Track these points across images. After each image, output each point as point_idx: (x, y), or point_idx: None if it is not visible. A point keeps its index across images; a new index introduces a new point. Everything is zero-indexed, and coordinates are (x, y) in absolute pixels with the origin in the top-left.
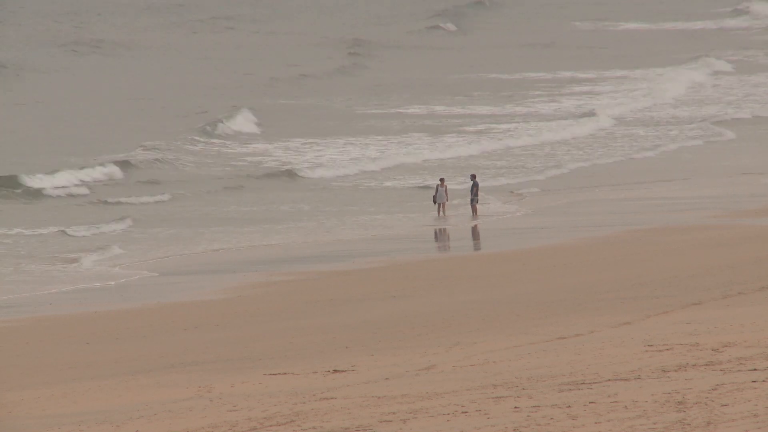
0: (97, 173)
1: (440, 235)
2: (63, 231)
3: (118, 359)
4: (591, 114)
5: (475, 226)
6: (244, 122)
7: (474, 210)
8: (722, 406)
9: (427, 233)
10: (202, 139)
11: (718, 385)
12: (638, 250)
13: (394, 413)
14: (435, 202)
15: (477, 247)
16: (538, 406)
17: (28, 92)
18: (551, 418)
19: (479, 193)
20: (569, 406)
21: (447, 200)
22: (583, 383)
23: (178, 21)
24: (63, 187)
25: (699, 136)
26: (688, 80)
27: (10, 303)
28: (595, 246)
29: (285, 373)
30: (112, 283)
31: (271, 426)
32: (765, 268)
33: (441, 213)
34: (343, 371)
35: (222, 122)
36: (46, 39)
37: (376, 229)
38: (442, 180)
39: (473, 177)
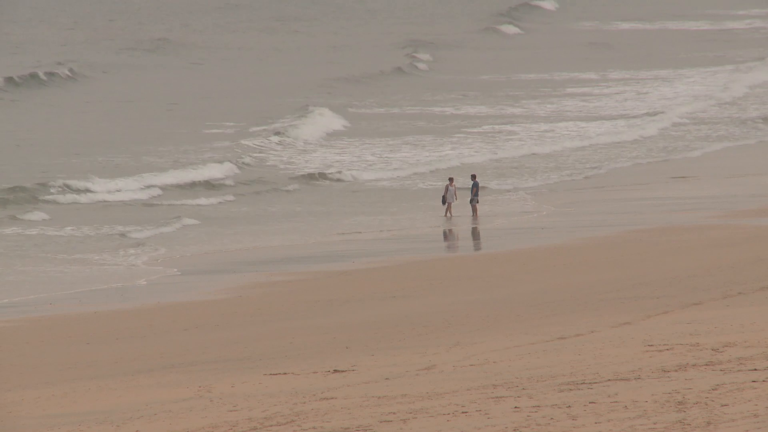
0: (169, 177)
1: (450, 236)
2: (122, 234)
3: (118, 359)
4: (657, 113)
5: (476, 226)
6: (309, 124)
7: (474, 210)
8: (722, 406)
9: (428, 233)
10: (272, 140)
11: (718, 385)
12: (638, 250)
13: (394, 413)
14: (444, 202)
15: (477, 247)
16: (538, 406)
17: (108, 93)
18: (551, 418)
19: (479, 193)
20: (569, 406)
21: (456, 200)
22: (583, 383)
23: (243, 21)
24: (130, 190)
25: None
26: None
27: (9, 303)
28: (595, 246)
29: (285, 373)
30: (142, 281)
31: (271, 426)
32: (765, 268)
33: (448, 213)
34: (343, 371)
35: (288, 123)
36: (132, 40)
37: (391, 231)
38: (451, 179)
39: (473, 177)
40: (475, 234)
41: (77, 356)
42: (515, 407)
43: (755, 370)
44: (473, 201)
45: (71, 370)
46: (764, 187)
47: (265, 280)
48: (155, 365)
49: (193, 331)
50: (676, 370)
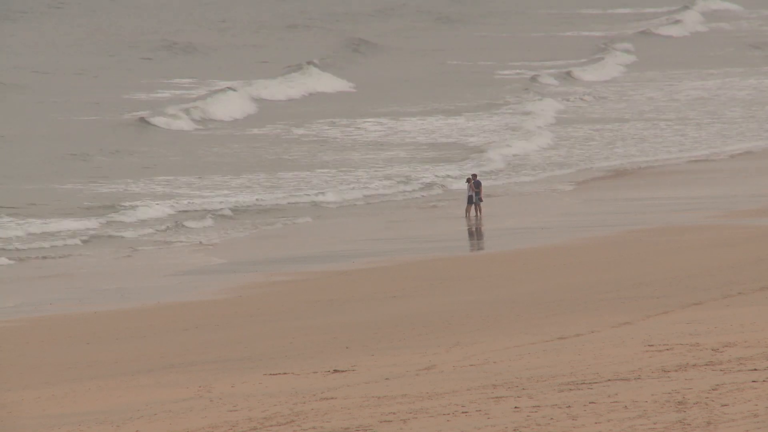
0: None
1: (475, 236)
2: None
3: (118, 359)
4: None
5: (479, 226)
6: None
7: (477, 210)
8: (722, 406)
9: (431, 234)
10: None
11: (718, 385)
12: (638, 250)
13: (394, 413)
14: (470, 202)
15: (477, 247)
16: (538, 406)
17: None
18: (551, 418)
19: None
20: (569, 406)
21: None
22: (583, 383)
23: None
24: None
25: None
26: None
27: (9, 303)
28: (595, 246)
29: (285, 373)
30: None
31: (271, 426)
32: (765, 268)
33: (471, 214)
34: (343, 371)
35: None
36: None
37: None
38: (474, 176)
39: (474, 176)
40: (477, 234)
41: (77, 356)
42: (515, 407)
43: (755, 370)
44: (477, 201)
45: (71, 370)
46: (764, 187)
47: (265, 280)
48: (155, 365)
49: (193, 331)
50: (676, 370)
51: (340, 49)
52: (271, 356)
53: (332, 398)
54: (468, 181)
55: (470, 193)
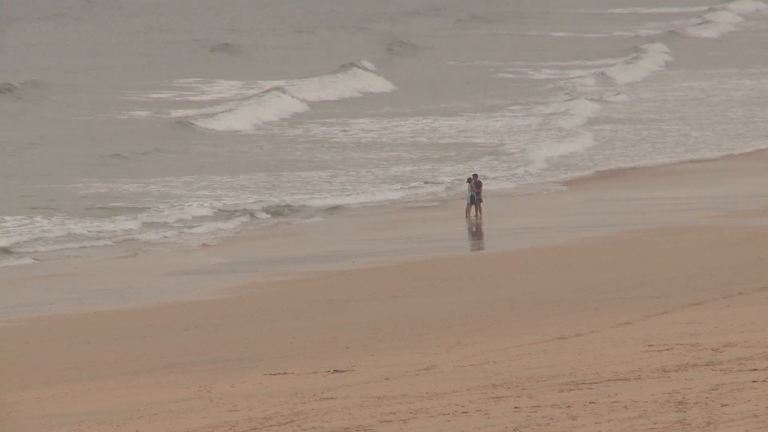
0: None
1: (476, 236)
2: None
3: (118, 359)
4: None
5: (479, 226)
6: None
7: (478, 209)
8: (722, 406)
9: (432, 234)
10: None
11: (718, 385)
12: (638, 250)
13: (394, 413)
14: (472, 201)
15: (477, 247)
16: (538, 406)
17: None
18: (551, 418)
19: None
20: (569, 406)
21: (481, 200)
22: (583, 383)
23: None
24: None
25: None
26: None
27: (9, 303)
28: (595, 246)
29: (285, 373)
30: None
31: (271, 426)
32: (765, 268)
33: (471, 213)
34: (343, 371)
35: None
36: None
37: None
38: (475, 175)
39: (475, 176)
40: (478, 234)
41: (77, 356)
42: (515, 407)
43: (755, 370)
44: (477, 201)
45: (71, 370)
46: (764, 187)
47: (265, 280)
48: (155, 365)
49: (193, 331)
50: (676, 370)
51: (379, 50)
52: (271, 356)
53: (332, 398)
54: (468, 181)
55: (471, 193)
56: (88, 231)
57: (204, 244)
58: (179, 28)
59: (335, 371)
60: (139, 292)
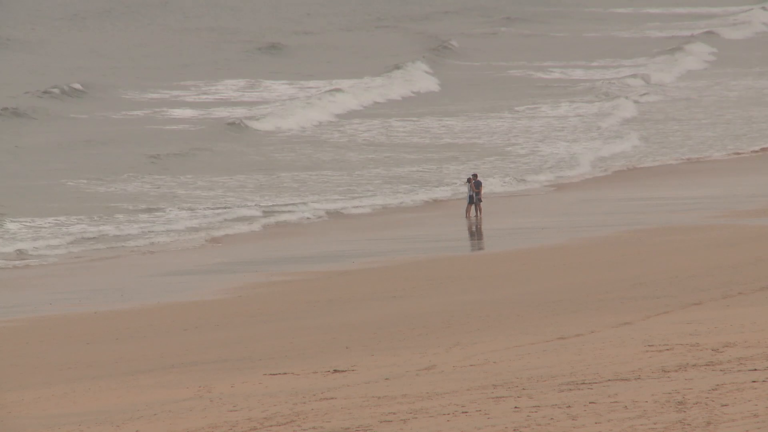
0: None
1: (475, 236)
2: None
3: (118, 359)
4: None
5: (479, 226)
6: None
7: (478, 209)
8: (722, 406)
9: (432, 234)
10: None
11: (718, 385)
12: (638, 250)
13: (394, 413)
14: (471, 201)
15: (477, 247)
16: (538, 406)
17: None
18: (551, 418)
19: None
20: (569, 406)
21: (481, 200)
22: (583, 383)
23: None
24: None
25: None
26: None
27: (9, 303)
28: (595, 246)
29: (285, 373)
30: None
31: (271, 426)
32: (765, 268)
33: (470, 214)
34: (343, 371)
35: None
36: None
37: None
38: (475, 176)
39: (475, 176)
40: (478, 234)
41: (77, 356)
42: (515, 407)
43: (755, 370)
44: (477, 201)
45: (71, 370)
46: (764, 187)
47: (265, 280)
48: (155, 365)
49: (193, 331)
50: (676, 370)
51: (423, 50)
52: (271, 356)
53: (332, 398)
54: (468, 181)
55: (470, 193)
56: (89, 231)
57: (204, 244)
58: (226, 28)
59: (335, 371)
60: (139, 292)
